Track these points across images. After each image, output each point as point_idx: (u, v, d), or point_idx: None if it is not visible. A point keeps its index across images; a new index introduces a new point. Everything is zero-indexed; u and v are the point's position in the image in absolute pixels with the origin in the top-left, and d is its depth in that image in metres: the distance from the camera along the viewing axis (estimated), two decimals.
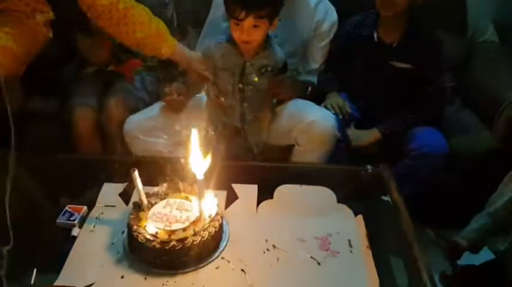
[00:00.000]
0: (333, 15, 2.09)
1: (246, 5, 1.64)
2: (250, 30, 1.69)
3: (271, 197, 1.49)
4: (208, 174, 1.26)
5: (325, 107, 2.01)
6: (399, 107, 2.03)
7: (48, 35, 1.89)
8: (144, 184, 1.28)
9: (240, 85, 1.81)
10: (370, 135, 2.03)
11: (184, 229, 1.21)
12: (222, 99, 1.85)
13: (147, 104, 2.06)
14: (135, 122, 1.88)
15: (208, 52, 1.82)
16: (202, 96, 2.00)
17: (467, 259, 1.83)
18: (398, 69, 1.99)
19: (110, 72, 2.20)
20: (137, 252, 1.23)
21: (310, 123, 1.82)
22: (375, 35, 1.99)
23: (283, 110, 1.93)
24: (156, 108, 1.94)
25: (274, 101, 1.93)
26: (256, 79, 1.80)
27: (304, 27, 2.06)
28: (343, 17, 2.13)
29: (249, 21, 1.67)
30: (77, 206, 1.40)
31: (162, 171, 1.37)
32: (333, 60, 2.13)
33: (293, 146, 1.90)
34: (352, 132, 2.04)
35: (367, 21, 2.03)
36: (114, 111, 1.96)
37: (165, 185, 1.35)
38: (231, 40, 1.77)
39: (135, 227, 1.23)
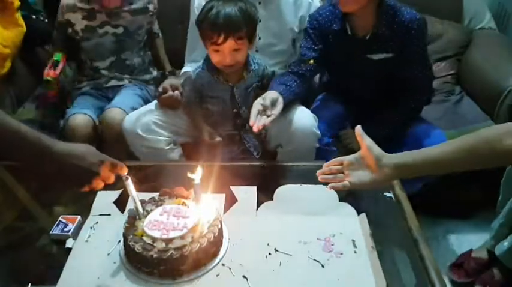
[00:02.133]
0: (315, 7, 2.01)
1: (224, 29, 1.60)
2: (230, 54, 1.65)
3: (271, 198, 1.45)
4: (205, 177, 1.23)
5: None
6: (390, 98, 1.94)
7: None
8: (140, 190, 1.24)
9: (235, 110, 1.80)
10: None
11: (182, 237, 1.17)
12: (218, 139, 1.83)
13: None
14: (134, 120, 1.84)
15: (192, 83, 1.80)
16: None
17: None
18: (379, 61, 1.86)
19: (108, 88, 2.18)
20: (134, 262, 1.19)
21: (288, 123, 1.78)
22: (348, 29, 1.84)
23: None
24: (153, 104, 1.91)
25: None
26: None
27: (289, 25, 2.01)
28: None
29: (229, 45, 1.63)
30: (70, 216, 1.35)
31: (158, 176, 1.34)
32: (306, 58, 1.91)
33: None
34: (346, 134, 1.97)
35: (337, 12, 1.84)
36: (114, 122, 1.92)
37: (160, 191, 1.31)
38: (211, 68, 1.75)
39: (131, 236, 1.19)
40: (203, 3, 1.82)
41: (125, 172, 1.19)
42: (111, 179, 1.16)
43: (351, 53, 1.87)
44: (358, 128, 1.20)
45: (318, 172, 1.22)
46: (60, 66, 2.05)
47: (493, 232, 1.72)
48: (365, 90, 1.96)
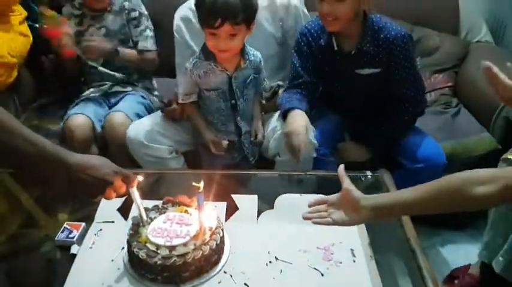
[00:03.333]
0: (294, 6, 2.02)
1: (221, 13, 1.59)
2: (227, 39, 1.64)
3: (272, 207, 1.48)
4: (207, 186, 1.25)
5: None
6: (383, 111, 1.94)
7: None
8: (143, 197, 1.27)
9: (233, 101, 1.81)
10: (360, 155, 1.96)
11: (185, 244, 1.20)
12: (225, 142, 1.84)
13: None
14: (139, 128, 1.87)
15: (190, 75, 1.78)
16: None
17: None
18: (367, 76, 1.86)
19: (111, 93, 2.21)
20: (138, 268, 1.21)
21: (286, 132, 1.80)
22: (334, 44, 1.84)
23: (266, 121, 1.95)
24: (157, 114, 1.95)
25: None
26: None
27: (268, 30, 2.01)
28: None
29: (226, 29, 1.61)
30: (75, 223, 1.38)
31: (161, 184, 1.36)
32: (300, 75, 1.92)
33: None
34: (344, 147, 1.99)
35: (324, 27, 1.83)
36: (118, 125, 1.95)
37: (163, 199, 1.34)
38: (208, 56, 1.74)
39: (135, 243, 1.21)
40: (181, 25, 1.90)
41: (135, 184, 1.22)
42: (123, 189, 1.18)
43: (339, 67, 1.88)
44: (341, 169, 1.24)
45: (305, 214, 1.25)
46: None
47: (484, 245, 1.73)
48: (357, 104, 1.97)
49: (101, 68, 2.20)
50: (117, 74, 2.22)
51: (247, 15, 1.63)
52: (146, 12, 2.23)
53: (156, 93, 2.30)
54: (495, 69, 1.35)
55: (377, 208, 1.15)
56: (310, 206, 1.25)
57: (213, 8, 1.59)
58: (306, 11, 2.07)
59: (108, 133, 1.99)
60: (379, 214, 1.16)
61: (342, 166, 1.25)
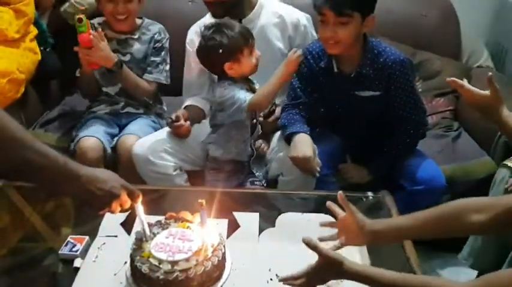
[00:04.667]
0: (303, 25, 2.09)
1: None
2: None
3: (273, 225, 1.49)
4: (209, 203, 1.27)
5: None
6: (384, 134, 1.96)
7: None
8: (146, 213, 1.29)
9: (254, 120, 1.86)
10: (361, 177, 1.97)
11: (187, 259, 1.21)
12: (265, 147, 1.91)
13: None
14: (145, 145, 1.90)
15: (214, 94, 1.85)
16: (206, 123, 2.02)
17: None
18: (366, 99, 1.88)
19: (123, 114, 2.21)
20: (140, 283, 1.22)
21: (289, 152, 1.81)
22: (334, 66, 1.86)
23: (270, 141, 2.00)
24: (164, 131, 1.97)
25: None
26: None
27: (276, 46, 2.07)
28: None
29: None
30: (79, 236, 1.39)
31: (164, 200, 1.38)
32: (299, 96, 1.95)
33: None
34: (346, 168, 2.01)
35: (325, 50, 1.85)
36: (131, 148, 1.96)
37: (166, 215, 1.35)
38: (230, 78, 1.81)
39: (137, 257, 1.23)
40: (195, 39, 1.93)
41: (139, 201, 1.24)
42: (128, 204, 1.21)
43: (339, 89, 1.90)
44: (341, 196, 1.25)
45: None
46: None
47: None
48: (357, 126, 1.98)
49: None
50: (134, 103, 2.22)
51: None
52: (168, 47, 2.25)
53: (165, 116, 2.30)
54: (460, 81, 1.51)
55: (376, 232, 1.19)
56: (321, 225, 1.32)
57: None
58: (314, 32, 2.11)
59: (121, 155, 1.99)
60: (380, 238, 1.20)
61: (340, 193, 1.26)
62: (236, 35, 1.75)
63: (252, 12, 2.06)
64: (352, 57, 1.83)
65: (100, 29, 2.02)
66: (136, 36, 2.19)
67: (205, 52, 1.81)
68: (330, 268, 1.12)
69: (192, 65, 2.08)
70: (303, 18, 2.11)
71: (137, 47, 2.18)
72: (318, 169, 1.79)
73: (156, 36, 2.21)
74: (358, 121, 1.97)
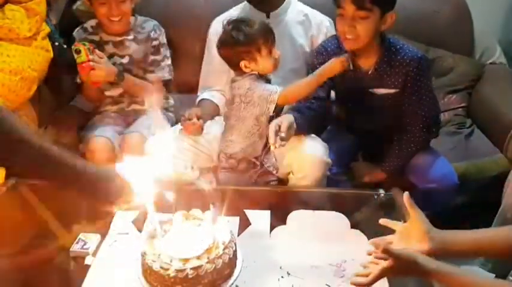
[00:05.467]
0: (326, 26, 2.11)
1: None
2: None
3: (284, 223, 1.49)
4: (220, 200, 1.27)
5: None
6: (397, 132, 1.95)
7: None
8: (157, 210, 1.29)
9: (274, 114, 1.83)
10: (374, 175, 1.97)
11: (198, 257, 1.20)
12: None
13: None
14: (156, 142, 1.89)
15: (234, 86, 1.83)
16: (218, 121, 2.02)
17: None
18: (382, 96, 1.88)
19: (130, 111, 2.22)
20: (151, 280, 1.21)
21: (299, 150, 1.82)
22: (351, 64, 1.80)
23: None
24: (175, 129, 1.97)
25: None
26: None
27: (299, 43, 2.08)
28: None
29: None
30: (90, 233, 1.40)
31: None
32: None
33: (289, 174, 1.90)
34: (357, 166, 2.00)
35: (342, 46, 1.84)
36: (135, 146, 1.96)
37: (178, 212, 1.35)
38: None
39: (149, 255, 1.22)
40: (219, 30, 1.90)
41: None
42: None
43: (355, 87, 1.89)
44: (407, 198, 1.21)
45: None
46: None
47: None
48: (371, 124, 1.97)
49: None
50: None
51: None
52: (165, 41, 2.24)
53: (172, 109, 2.31)
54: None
55: (447, 241, 1.15)
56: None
57: None
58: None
59: (125, 153, 1.99)
60: (448, 248, 1.16)
61: (407, 194, 1.22)
62: (254, 32, 1.73)
63: (281, 7, 2.08)
64: (369, 54, 1.82)
65: (95, 49, 2.01)
66: (131, 37, 2.16)
67: (222, 47, 1.80)
68: (404, 268, 1.09)
69: (213, 54, 2.05)
70: (326, 21, 2.13)
71: (135, 48, 2.16)
72: (327, 171, 1.80)
73: (152, 34, 2.18)
74: (372, 118, 1.95)
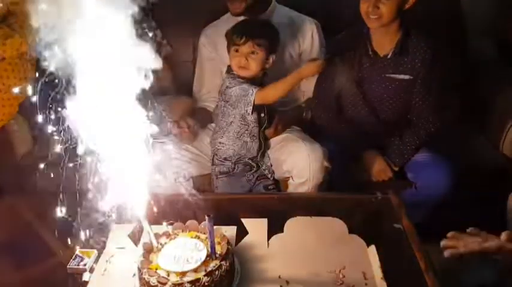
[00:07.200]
0: (311, 28, 2.13)
1: (246, 32, 1.80)
2: (247, 56, 1.79)
3: (282, 230, 1.48)
4: (216, 210, 1.26)
5: None
6: (401, 125, 1.99)
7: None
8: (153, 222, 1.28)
9: (262, 114, 1.86)
10: (388, 172, 1.98)
11: (195, 270, 1.20)
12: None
13: None
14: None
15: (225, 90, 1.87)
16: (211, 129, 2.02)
17: None
18: (396, 81, 1.92)
19: None
20: None
21: (298, 155, 1.82)
22: (369, 48, 1.91)
23: (277, 144, 1.98)
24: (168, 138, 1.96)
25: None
26: None
27: (288, 50, 2.10)
28: (329, 33, 2.16)
29: (248, 47, 1.78)
30: (87, 250, 1.39)
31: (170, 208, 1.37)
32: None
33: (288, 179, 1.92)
34: (370, 159, 2.00)
35: (358, 33, 1.94)
36: None
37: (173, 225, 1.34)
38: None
39: (145, 270, 1.22)
40: (206, 40, 1.98)
41: None
42: None
43: (372, 71, 1.93)
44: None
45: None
46: None
47: None
48: (380, 114, 2.01)
49: None
50: None
51: (267, 41, 1.84)
52: None
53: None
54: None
55: None
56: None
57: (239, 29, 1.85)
58: (318, 38, 2.14)
59: None
60: None
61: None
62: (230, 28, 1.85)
63: (265, 13, 2.09)
64: (389, 37, 1.88)
65: None
66: None
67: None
68: None
69: (204, 60, 2.14)
70: (312, 24, 2.14)
71: None
72: (326, 176, 1.85)
73: None
74: (384, 106, 1.99)
